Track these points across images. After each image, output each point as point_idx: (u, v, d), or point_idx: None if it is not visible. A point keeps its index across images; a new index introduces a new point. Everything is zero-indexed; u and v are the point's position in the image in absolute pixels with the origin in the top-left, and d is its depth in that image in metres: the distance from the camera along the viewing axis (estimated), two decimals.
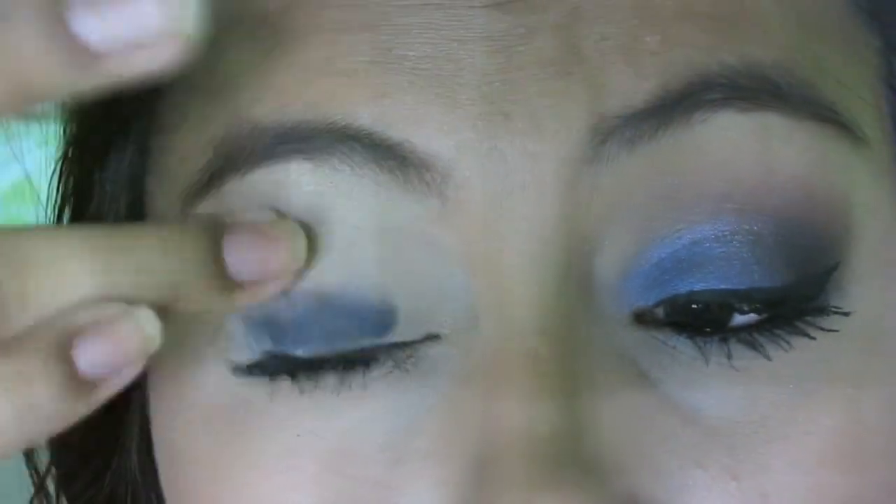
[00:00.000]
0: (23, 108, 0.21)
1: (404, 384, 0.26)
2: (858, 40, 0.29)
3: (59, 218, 0.35)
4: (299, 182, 0.25)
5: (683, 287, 0.25)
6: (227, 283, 0.24)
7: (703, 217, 0.25)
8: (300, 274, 0.25)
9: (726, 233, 0.25)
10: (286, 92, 0.26)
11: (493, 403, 0.24)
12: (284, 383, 0.26)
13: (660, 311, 0.26)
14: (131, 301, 0.23)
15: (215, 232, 0.24)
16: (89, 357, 0.22)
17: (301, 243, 0.25)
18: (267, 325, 0.26)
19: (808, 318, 0.26)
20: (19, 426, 0.21)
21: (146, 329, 0.23)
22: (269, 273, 0.25)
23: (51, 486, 0.37)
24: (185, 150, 0.28)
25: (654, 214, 0.25)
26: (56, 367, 0.22)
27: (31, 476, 0.36)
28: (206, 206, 0.27)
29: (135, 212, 0.31)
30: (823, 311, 0.26)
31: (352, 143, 0.25)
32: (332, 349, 0.26)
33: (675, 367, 0.25)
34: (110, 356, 0.22)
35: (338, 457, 0.26)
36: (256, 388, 0.27)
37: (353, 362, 0.26)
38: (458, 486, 0.24)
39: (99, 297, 0.22)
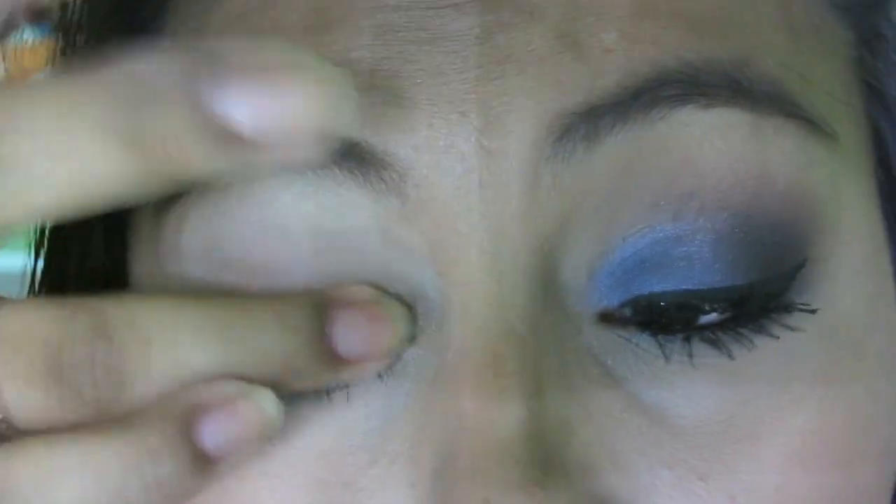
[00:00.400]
0: (164, 186, 0.21)
1: (374, 388, 0.26)
2: (829, 35, 0.29)
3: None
4: (265, 186, 0.26)
5: (647, 287, 0.25)
6: (333, 360, 0.24)
7: (665, 216, 0.25)
8: (403, 353, 0.26)
9: (688, 231, 0.25)
10: None
11: (458, 404, 0.24)
12: None
13: (625, 311, 0.26)
14: (247, 377, 0.23)
15: (325, 308, 0.25)
16: (212, 435, 0.22)
17: (405, 323, 0.25)
18: None
19: (774, 316, 0.26)
20: (144, 499, 0.22)
21: (266, 408, 0.23)
22: (374, 352, 0.25)
23: None
24: None
25: (617, 213, 0.25)
26: (182, 444, 0.22)
27: None
28: (176, 213, 0.27)
29: (112, 220, 0.31)
30: (788, 308, 0.26)
31: None
32: None
33: (640, 365, 0.25)
34: (232, 434, 0.23)
35: (312, 461, 0.26)
36: None
37: None
38: (426, 487, 0.25)
39: (216, 373, 0.23)
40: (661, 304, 0.26)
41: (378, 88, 0.25)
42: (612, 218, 0.25)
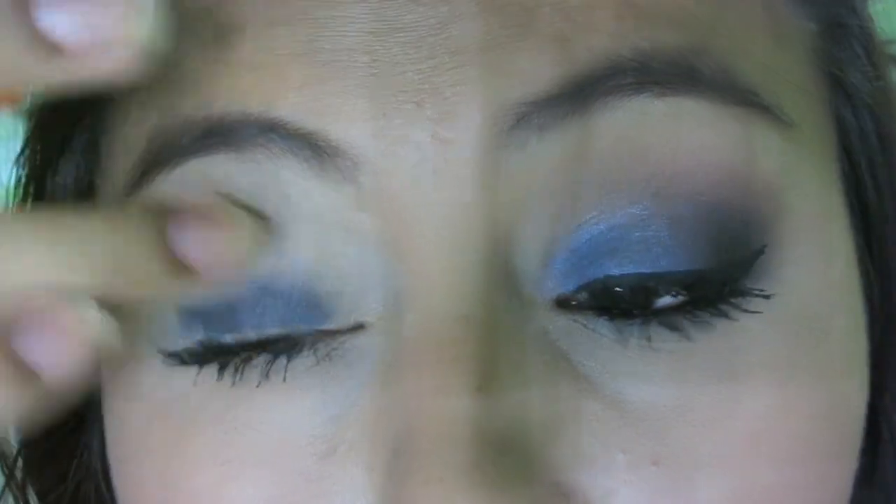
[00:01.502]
0: None
1: (331, 375, 0.26)
2: (790, 24, 0.29)
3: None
4: (225, 173, 0.26)
5: (604, 272, 0.26)
6: (173, 266, 0.24)
7: (620, 202, 0.25)
8: (253, 262, 0.26)
9: (644, 217, 0.25)
10: (213, 85, 0.26)
11: (412, 389, 0.25)
12: (214, 376, 0.27)
13: (582, 297, 0.26)
14: (82, 286, 0.23)
15: (161, 215, 0.25)
16: (30, 346, 0.22)
17: (250, 230, 0.25)
18: (198, 313, 0.27)
19: (731, 300, 0.26)
20: None
21: (89, 319, 0.23)
22: (217, 257, 0.25)
23: None
24: (125, 146, 0.29)
25: (572, 200, 0.25)
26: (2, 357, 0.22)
27: (1, 467, 0.37)
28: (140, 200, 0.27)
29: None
30: (745, 293, 0.26)
31: (270, 134, 0.25)
32: (261, 337, 0.26)
33: (598, 351, 0.26)
34: (51, 345, 0.23)
35: (270, 450, 0.26)
36: (188, 382, 0.27)
37: (280, 354, 0.26)
38: (383, 474, 0.25)
39: (42, 284, 0.23)
40: (618, 288, 0.26)
41: (334, 79, 0.25)
42: (568, 204, 0.25)
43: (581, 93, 0.25)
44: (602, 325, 0.26)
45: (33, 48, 0.21)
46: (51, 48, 0.21)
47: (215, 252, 0.25)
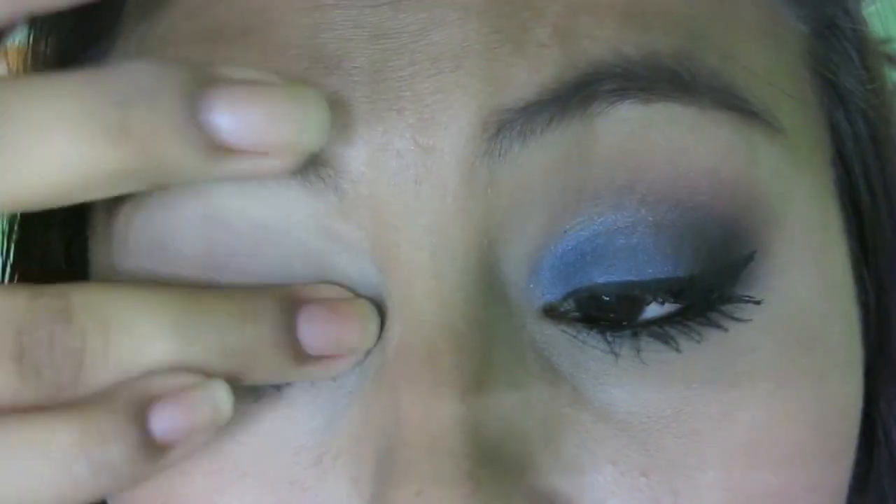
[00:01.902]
0: (147, 185, 0.22)
1: (318, 385, 0.26)
2: (780, 27, 0.29)
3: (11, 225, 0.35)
4: (206, 184, 0.25)
5: (588, 280, 0.25)
6: (298, 355, 0.25)
7: (605, 209, 0.25)
8: (369, 352, 0.26)
9: (629, 224, 0.25)
10: None
11: (396, 399, 0.24)
12: None
13: (569, 305, 0.26)
14: (206, 368, 0.23)
15: (292, 303, 0.25)
16: (163, 423, 0.23)
17: (374, 323, 0.26)
18: None
19: (721, 308, 0.26)
20: (93, 481, 0.22)
21: (219, 401, 0.23)
22: (340, 349, 0.25)
23: None
24: None
25: (557, 207, 0.25)
26: (131, 429, 0.22)
27: None
28: (124, 213, 0.27)
29: (73, 221, 0.32)
30: (734, 300, 0.26)
31: None
32: None
33: (587, 362, 0.25)
34: (183, 424, 0.23)
35: (257, 460, 0.26)
36: None
37: None
38: (368, 482, 0.25)
39: (175, 362, 0.23)
40: (605, 296, 0.25)
41: (316, 85, 0.25)
42: (552, 211, 0.25)
43: (564, 99, 0.24)
44: (592, 337, 0.26)
45: (200, 149, 0.22)
46: (217, 148, 0.22)
47: (337, 344, 0.25)
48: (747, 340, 0.26)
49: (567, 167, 0.25)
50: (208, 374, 0.23)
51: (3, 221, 0.37)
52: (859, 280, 0.30)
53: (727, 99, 0.26)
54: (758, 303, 0.26)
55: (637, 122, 0.25)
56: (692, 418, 0.25)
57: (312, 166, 0.25)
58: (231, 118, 0.22)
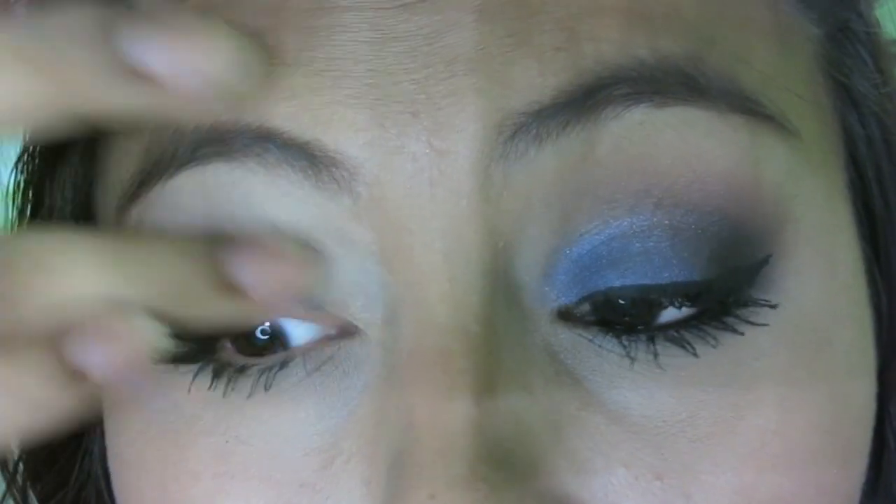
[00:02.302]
0: (62, 115, 0.22)
1: (326, 386, 0.26)
2: (793, 30, 0.29)
3: (20, 218, 0.35)
4: (217, 184, 0.26)
5: (603, 283, 0.25)
6: (229, 291, 0.24)
7: (621, 212, 0.25)
8: (312, 294, 0.25)
9: (645, 227, 0.25)
10: None
11: (409, 401, 0.24)
12: (207, 386, 0.27)
13: (584, 309, 0.26)
14: (131, 297, 0.23)
15: (225, 242, 0.25)
16: (85, 353, 0.22)
17: (314, 266, 0.25)
18: None
19: (737, 312, 0.26)
20: (10, 412, 0.22)
21: (143, 329, 0.23)
22: (272, 286, 0.25)
23: None
24: (121, 157, 0.29)
25: (572, 210, 0.25)
26: (52, 361, 0.22)
27: (2, 471, 0.37)
28: (135, 212, 0.27)
29: (81, 219, 0.32)
30: (749, 303, 0.26)
31: (265, 143, 0.25)
32: (254, 343, 0.26)
33: (603, 365, 0.25)
34: (105, 354, 0.23)
35: (265, 462, 0.26)
36: (183, 391, 0.27)
37: (273, 364, 0.26)
38: (380, 484, 0.25)
39: (101, 293, 0.23)
40: (620, 300, 0.25)
41: (328, 88, 0.25)
42: (567, 215, 0.25)
43: (579, 102, 0.24)
44: (607, 341, 0.25)
45: (117, 74, 0.22)
46: (135, 76, 0.22)
47: (271, 281, 0.25)
48: (762, 344, 0.26)
49: (582, 171, 0.25)
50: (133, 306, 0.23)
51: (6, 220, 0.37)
52: (871, 283, 0.30)
53: (741, 102, 0.26)
54: (773, 307, 0.26)
55: (652, 125, 0.25)
56: (706, 422, 0.25)
57: (326, 168, 0.25)
58: (156, 52, 0.22)
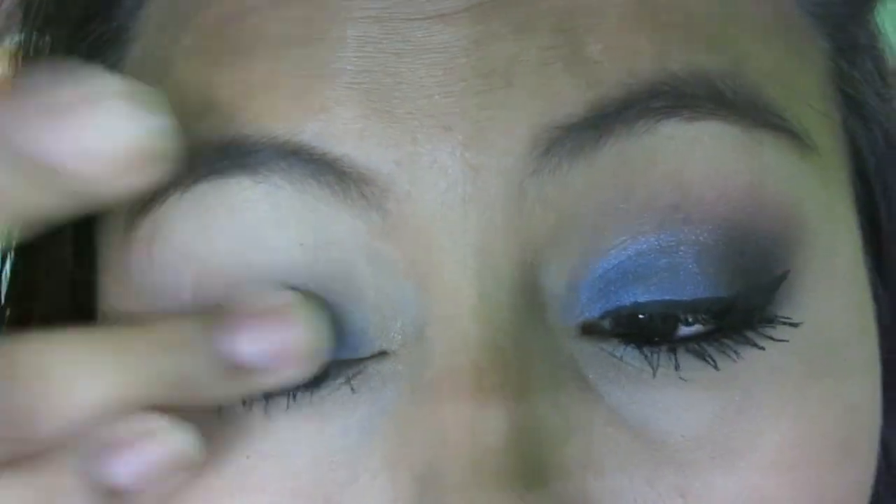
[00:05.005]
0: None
1: (353, 402, 0.26)
2: (808, 45, 0.29)
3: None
4: (240, 198, 0.25)
5: (628, 298, 0.25)
6: (237, 370, 0.24)
7: (649, 228, 0.25)
8: (326, 352, 0.25)
9: (672, 243, 0.25)
10: (229, 106, 0.25)
11: (440, 417, 0.24)
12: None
13: (607, 323, 0.26)
14: (152, 402, 0.23)
15: (223, 319, 0.24)
16: (123, 471, 0.22)
17: (320, 322, 0.25)
18: None
19: (758, 329, 0.26)
20: None
21: (181, 441, 0.23)
22: (288, 356, 0.24)
23: None
24: None
25: (601, 225, 0.25)
26: (91, 483, 0.22)
27: None
28: (148, 224, 0.26)
29: (82, 231, 0.31)
30: (772, 320, 0.26)
31: (292, 158, 0.25)
32: None
33: (623, 379, 0.25)
34: (145, 468, 0.23)
35: (289, 477, 0.26)
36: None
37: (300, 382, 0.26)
38: (408, 500, 0.24)
39: (121, 401, 0.23)
40: (644, 315, 0.25)
41: (356, 102, 0.24)
42: (596, 230, 0.25)
43: (613, 116, 0.24)
44: (629, 354, 0.25)
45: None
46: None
47: (282, 351, 0.24)
48: (781, 359, 0.26)
49: (613, 185, 0.25)
50: (157, 408, 0.23)
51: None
52: (875, 298, 0.30)
53: (766, 117, 0.26)
54: (795, 325, 0.26)
55: (682, 140, 0.25)
56: (726, 437, 0.25)
57: (355, 184, 0.24)
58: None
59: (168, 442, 0.23)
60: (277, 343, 0.24)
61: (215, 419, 0.26)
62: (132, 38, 0.29)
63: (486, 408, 0.24)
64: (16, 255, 0.34)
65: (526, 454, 0.24)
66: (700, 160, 0.25)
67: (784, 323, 0.26)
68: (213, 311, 0.25)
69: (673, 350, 0.25)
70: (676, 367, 0.25)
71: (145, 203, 0.26)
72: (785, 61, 0.27)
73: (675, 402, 0.25)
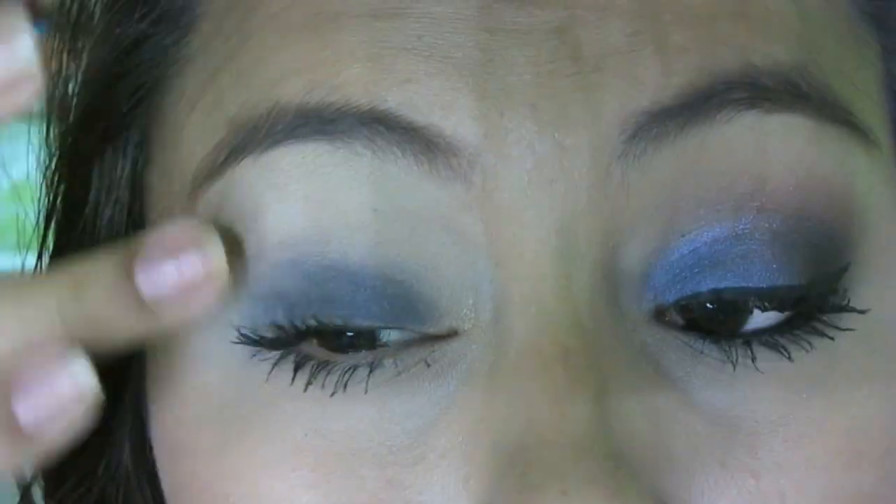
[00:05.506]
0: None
1: (415, 386, 0.25)
2: (863, 43, 0.29)
3: (48, 221, 0.34)
4: (318, 163, 0.25)
5: (703, 285, 0.26)
6: (143, 306, 0.24)
7: (725, 215, 0.25)
8: (233, 277, 0.25)
9: (747, 231, 0.25)
10: (313, 73, 0.25)
11: (523, 399, 0.24)
12: (289, 376, 0.26)
13: (678, 310, 0.26)
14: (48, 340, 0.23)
15: (126, 257, 0.24)
16: (26, 409, 0.23)
17: (214, 247, 0.24)
18: (281, 299, 0.26)
19: (827, 318, 0.26)
20: None
21: (78, 376, 0.23)
22: (190, 285, 0.24)
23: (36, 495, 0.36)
24: (194, 134, 0.28)
25: (678, 211, 0.25)
26: None
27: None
28: (217, 189, 0.26)
29: (135, 209, 0.31)
30: (841, 309, 0.26)
31: (376, 126, 0.25)
32: (346, 327, 0.26)
33: (699, 367, 0.26)
34: (46, 408, 0.23)
35: (347, 457, 0.25)
36: (261, 379, 0.26)
37: (361, 362, 0.25)
38: (484, 482, 0.24)
39: (19, 343, 0.23)
40: (712, 304, 0.26)
41: (444, 74, 0.24)
42: (673, 216, 0.25)
43: (698, 104, 0.25)
44: (705, 345, 0.26)
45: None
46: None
47: (182, 282, 0.24)
48: (849, 348, 0.26)
49: (693, 173, 0.25)
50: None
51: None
52: None
53: (837, 112, 0.26)
54: (863, 312, 0.26)
55: (760, 131, 0.25)
56: (799, 423, 0.26)
57: (443, 154, 0.24)
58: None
59: (64, 375, 0.23)
60: (176, 275, 0.24)
61: (273, 394, 0.26)
62: (200, 17, 0.29)
63: (574, 391, 0.24)
64: (55, 245, 0.33)
65: (610, 437, 0.24)
66: (776, 151, 0.25)
67: (852, 310, 0.26)
68: (120, 248, 0.25)
69: (748, 343, 0.26)
70: (754, 359, 0.26)
71: (215, 167, 0.26)
72: (848, 58, 0.28)
73: (751, 390, 0.26)
